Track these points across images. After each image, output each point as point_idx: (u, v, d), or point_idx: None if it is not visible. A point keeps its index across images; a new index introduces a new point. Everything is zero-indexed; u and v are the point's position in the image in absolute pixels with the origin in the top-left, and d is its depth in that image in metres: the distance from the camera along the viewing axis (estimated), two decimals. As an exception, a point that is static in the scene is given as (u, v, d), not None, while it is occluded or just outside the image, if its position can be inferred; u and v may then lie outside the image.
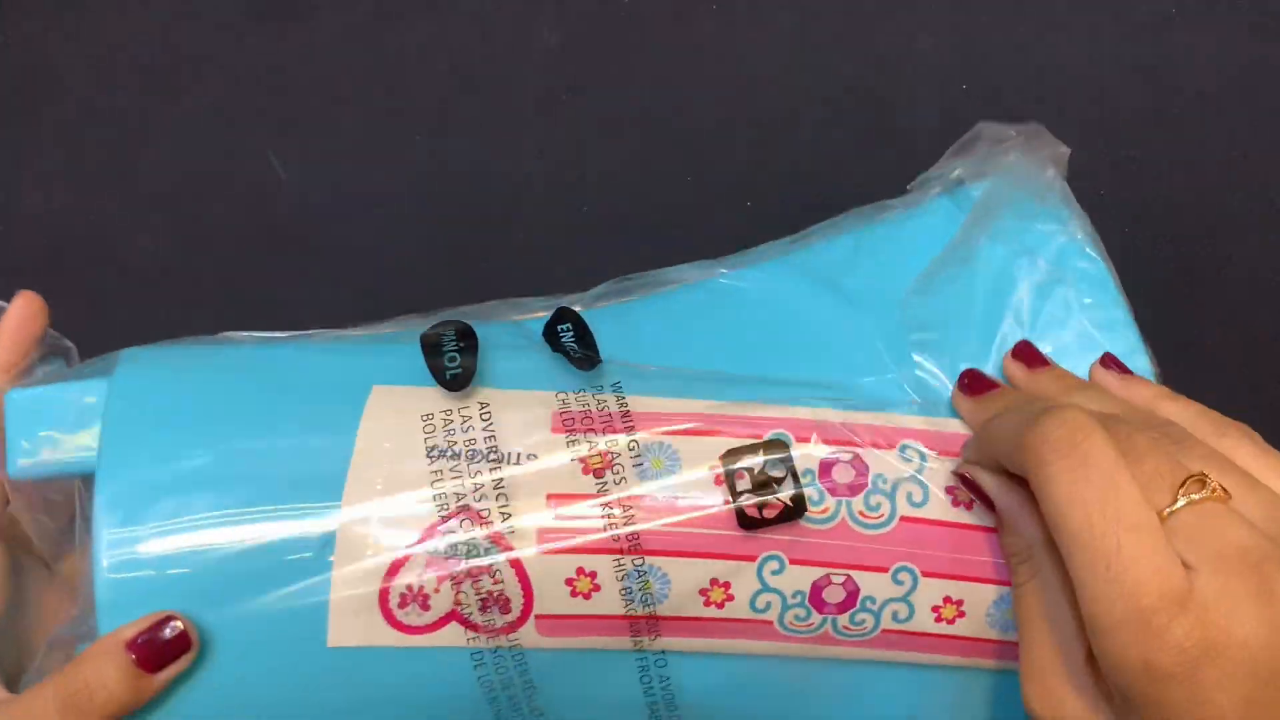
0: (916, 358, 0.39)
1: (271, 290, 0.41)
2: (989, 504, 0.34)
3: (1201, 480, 0.28)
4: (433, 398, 0.37)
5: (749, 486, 0.36)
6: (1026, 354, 0.37)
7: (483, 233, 0.48)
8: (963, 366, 0.39)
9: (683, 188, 0.48)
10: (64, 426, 0.38)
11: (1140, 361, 0.38)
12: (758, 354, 0.40)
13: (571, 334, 0.38)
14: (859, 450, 0.36)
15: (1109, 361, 0.36)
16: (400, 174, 0.47)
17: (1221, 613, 0.27)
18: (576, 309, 0.41)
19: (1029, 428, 0.30)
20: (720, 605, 0.36)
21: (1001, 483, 0.34)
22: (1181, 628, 0.27)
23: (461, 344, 0.38)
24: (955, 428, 0.37)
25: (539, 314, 0.41)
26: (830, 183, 0.48)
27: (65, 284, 0.38)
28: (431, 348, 0.38)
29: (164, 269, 0.47)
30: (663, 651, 0.37)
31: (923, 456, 0.36)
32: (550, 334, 0.38)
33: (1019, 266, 0.39)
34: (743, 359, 0.39)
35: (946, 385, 0.39)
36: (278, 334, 0.41)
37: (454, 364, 0.37)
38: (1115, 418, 0.31)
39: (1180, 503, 0.28)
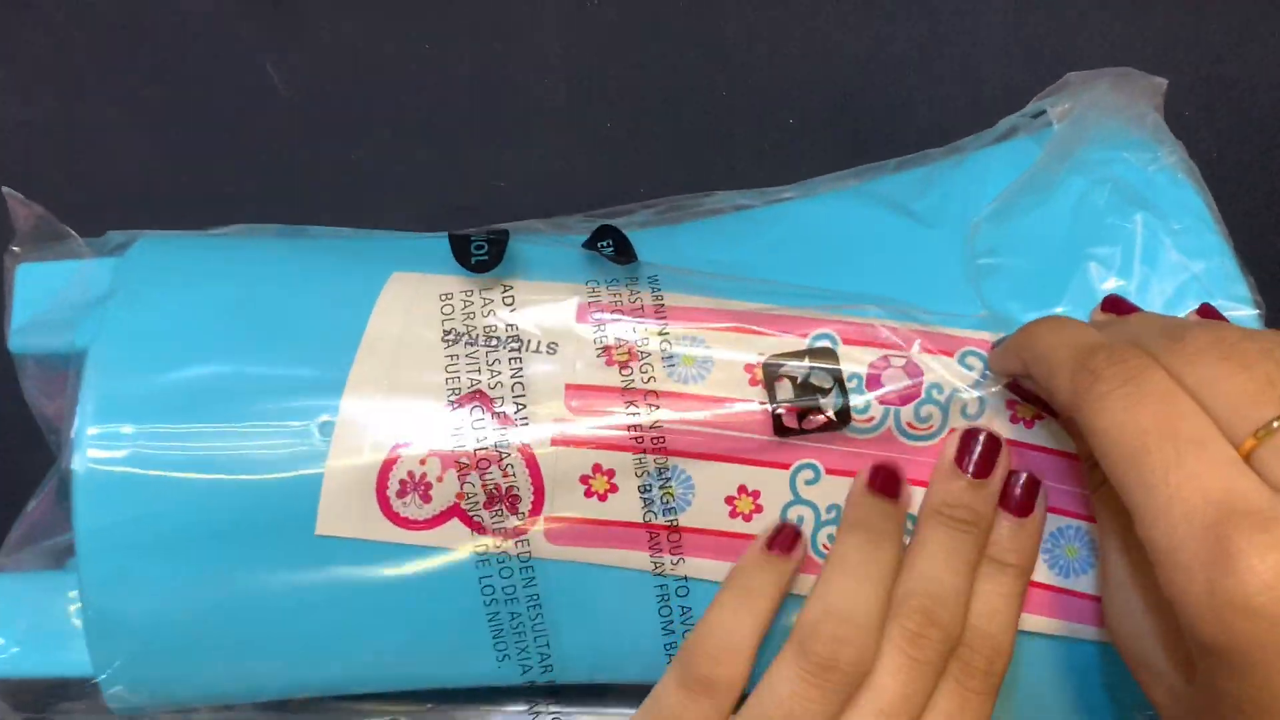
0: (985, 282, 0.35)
1: (265, 208, 0.38)
2: (1047, 409, 0.31)
3: None
4: (454, 282, 0.34)
5: (790, 395, 0.33)
6: (1116, 305, 0.33)
7: (496, 150, 0.45)
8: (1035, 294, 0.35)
9: (718, 103, 0.45)
10: (67, 304, 0.36)
11: (1239, 289, 0.34)
12: (815, 270, 0.36)
13: (612, 249, 0.35)
14: (913, 356, 0.33)
15: (1208, 313, 0.32)
16: (407, 87, 0.44)
17: None
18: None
19: (1084, 353, 0.27)
20: (748, 517, 0.33)
21: None
22: (1258, 551, 0.22)
23: (491, 236, 0.35)
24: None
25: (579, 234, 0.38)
26: (888, 103, 0.45)
27: (46, 195, 0.35)
28: (459, 239, 0.35)
29: (150, 183, 0.44)
30: (685, 578, 0.33)
31: (984, 365, 0.33)
32: (590, 247, 0.35)
33: (1102, 195, 0.36)
34: (798, 275, 0.36)
35: (1017, 312, 0.35)
36: (302, 226, 0.38)
37: (481, 251, 0.34)
38: (1217, 324, 0.27)
39: None
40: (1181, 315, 0.33)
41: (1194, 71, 0.46)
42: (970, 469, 0.32)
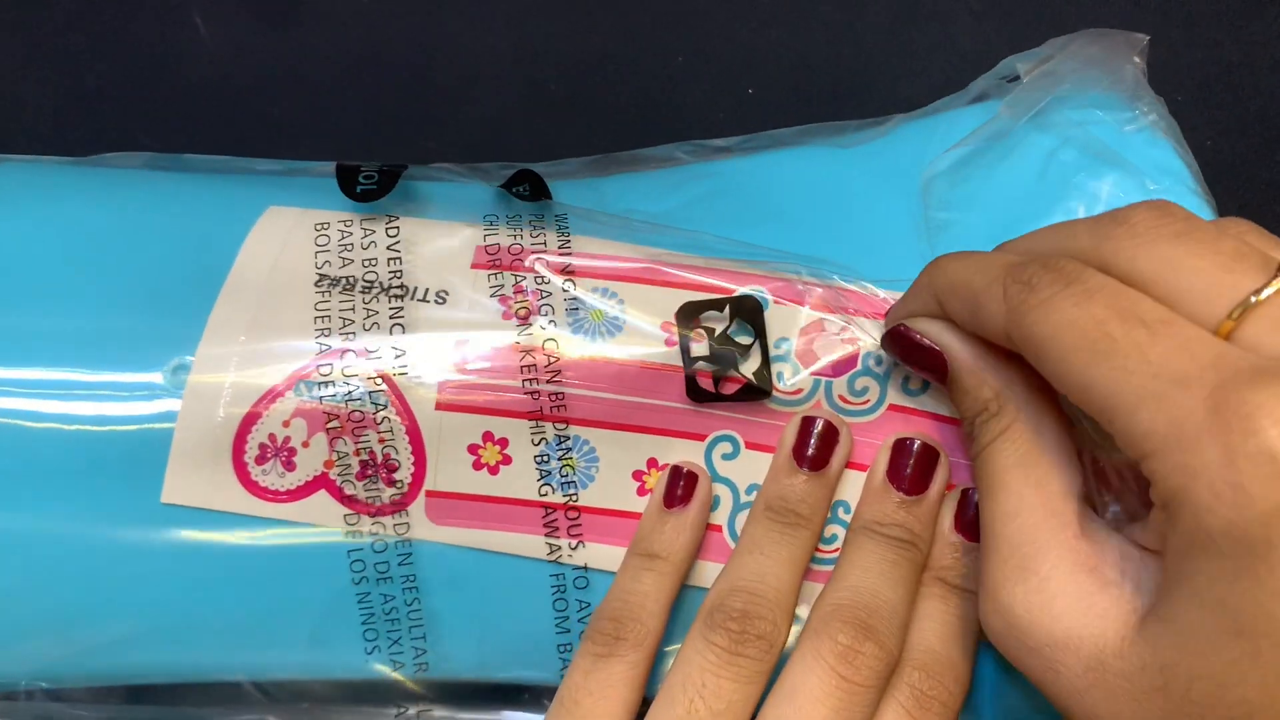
0: (938, 238, 0.31)
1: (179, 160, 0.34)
2: (933, 362, 0.27)
3: None
4: (334, 215, 0.30)
5: (706, 352, 0.28)
6: None
7: (430, 109, 0.41)
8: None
9: (673, 68, 0.41)
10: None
11: None
12: (749, 227, 0.32)
13: (528, 192, 0.31)
14: (850, 321, 0.29)
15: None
16: (341, 40, 0.41)
17: None
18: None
19: (1013, 267, 0.23)
20: (658, 496, 0.29)
21: (955, 330, 0.26)
22: (1267, 406, 0.18)
23: (384, 167, 0.31)
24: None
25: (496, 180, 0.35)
26: (852, 70, 0.41)
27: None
28: (347, 168, 0.31)
29: (57, 129, 0.40)
30: (585, 568, 0.29)
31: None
32: (505, 189, 0.31)
33: (1071, 154, 0.32)
34: (730, 230, 0.32)
35: None
36: (178, 155, 0.34)
37: (370, 180, 0.30)
38: (1161, 203, 0.23)
39: (1277, 285, 0.20)
40: None
41: (1189, 55, 0.42)
42: (904, 486, 0.28)
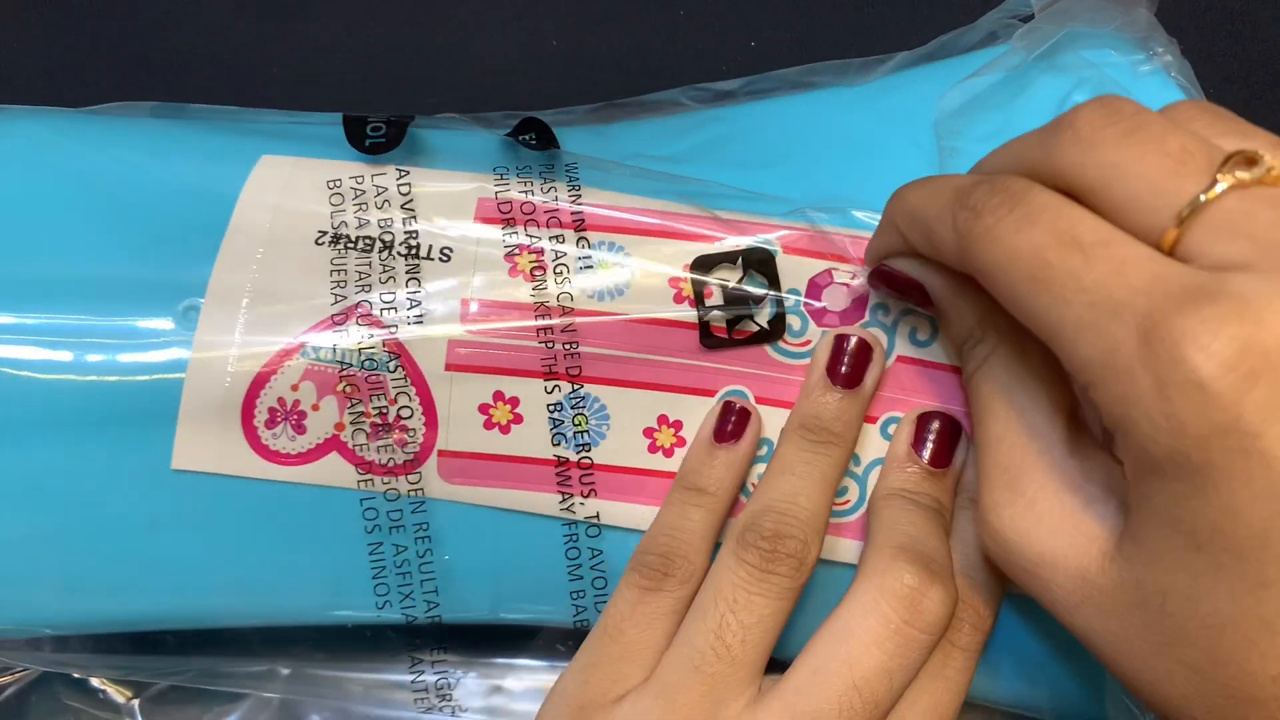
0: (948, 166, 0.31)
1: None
2: (920, 297, 0.27)
3: (1251, 159, 0.20)
4: (341, 167, 0.30)
5: (720, 303, 0.28)
6: None
7: (431, 63, 0.41)
8: None
9: (675, 21, 0.41)
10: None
11: None
12: (760, 170, 0.32)
13: (535, 141, 0.31)
14: (860, 270, 0.29)
15: None
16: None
17: (1275, 312, 0.18)
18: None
19: (961, 192, 0.23)
20: (669, 452, 0.29)
21: (928, 264, 0.26)
22: (1209, 328, 0.18)
23: (391, 118, 0.31)
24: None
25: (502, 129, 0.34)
26: (856, 19, 0.41)
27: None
28: (354, 120, 0.30)
29: (51, 90, 0.39)
30: (597, 517, 0.29)
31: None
32: (512, 137, 0.31)
33: (1084, 96, 0.31)
34: (740, 175, 0.32)
35: None
36: (181, 105, 0.34)
37: (378, 133, 0.30)
38: (1111, 98, 0.22)
39: (1221, 185, 0.20)
40: None
41: (1193, 2, 0.42)
42: (931, 459, 0.28)
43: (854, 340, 0.28)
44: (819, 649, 0.24)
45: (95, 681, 0.33)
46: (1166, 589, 0.20)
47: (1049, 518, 0.23)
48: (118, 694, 0.33)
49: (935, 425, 0.28)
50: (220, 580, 0.29)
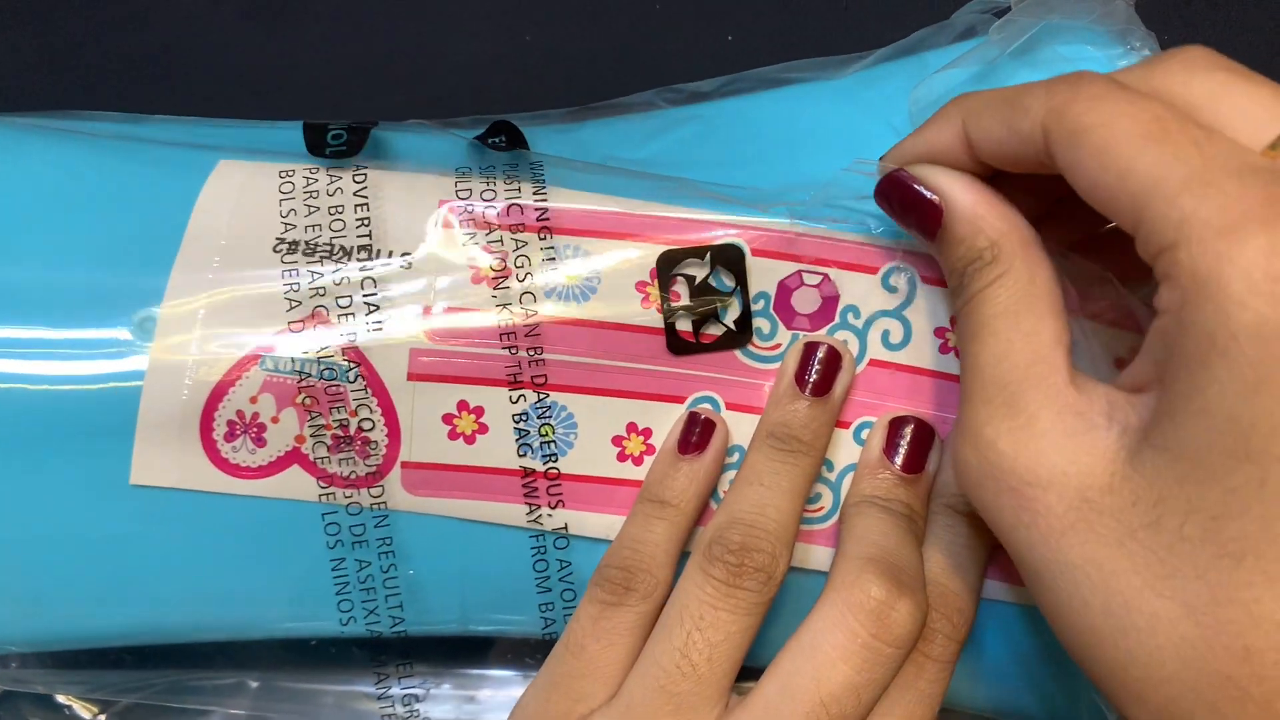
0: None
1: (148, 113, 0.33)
2: (927, 213, 0.25)
3: None
4: (296, 171, 0.29)
5: (686, 302, 0.28)
6: None
7: (402, 63, 0.40)
8: None
9: (650, 16, 0.40)
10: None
11: None
12: (733, 168, 0.31)
13: (504, 143, 0.30)
14: (830, 273, 0.28)
15: None
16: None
17: None
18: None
19: (1052, 82, 0.22)
20: (638, 460, 0.28)
21: (955, 175, 0.25)
22: None
23: (353, 125, 0.30)
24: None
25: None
26: (834, 13, 0.40)
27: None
28: (315, 127, 0.30)
29: (20, 90, 0.39)
30: (565, 528, 0.28)
31: (912, 286, 0.28)
32: (481, 141, 0.30)
33: None
34: (712, 173, 0.31)
35: None
36: (140, 116, 0.33)
37: (339, 141, 0.29)
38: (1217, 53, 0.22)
39: None
40: None
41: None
42: (903, 464, 0.27)
43: (823, 348, 0.27)
44: (786, 664, 0.24)
45: (61, 698, 0.32)
46: (1193, 506, 0.19)
47: (1050, 434, 0.22)
48: (84, 710, 0.32)
49: (908, 430, 0.27)
50: (182, 596, 0.29)
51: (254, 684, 0.32)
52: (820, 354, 0.27)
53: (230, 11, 0.41)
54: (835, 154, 0.31)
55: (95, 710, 0.32)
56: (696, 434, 0.27)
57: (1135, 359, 0.22)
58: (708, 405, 0.28)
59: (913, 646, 0.24)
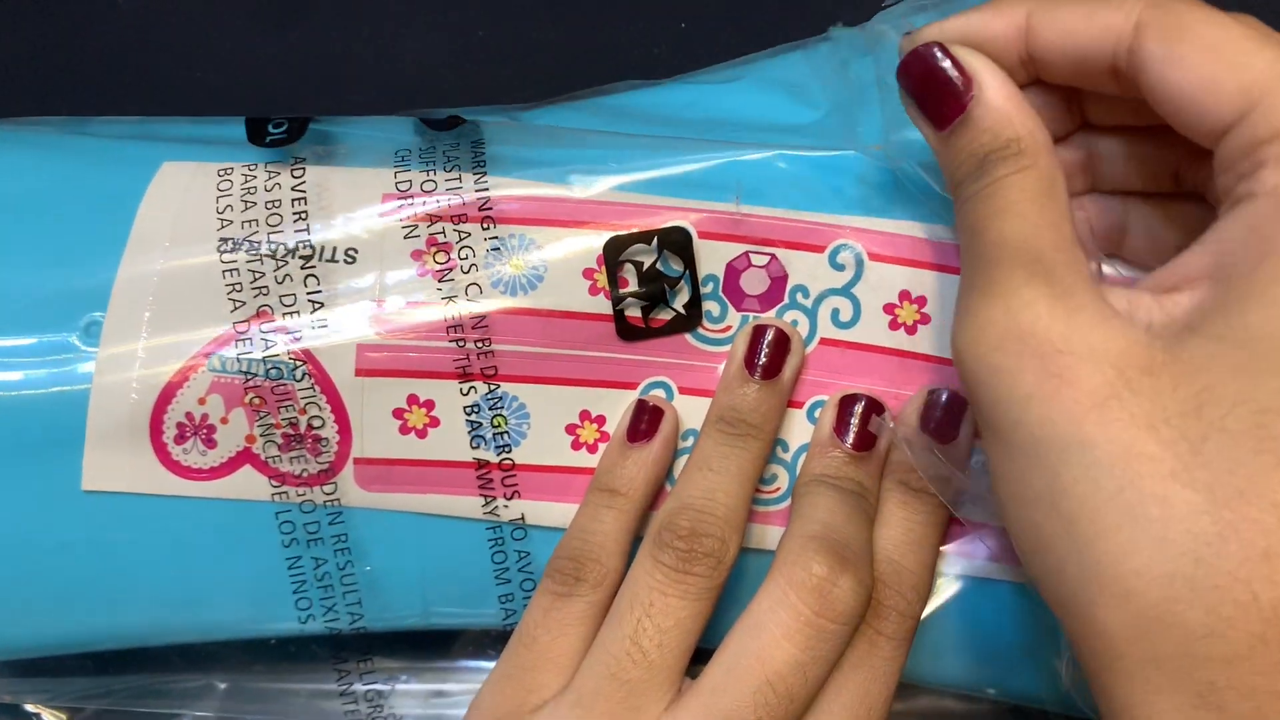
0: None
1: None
2: (950, 95, 0.23)
3: None
4: (237, 170, 0.29)
5: (634, 288, 0.28)
6: None
7: (353, 63, 0.40)
8: None
9: (605, 6, 0.40)
10: None
11: None
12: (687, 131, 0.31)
13: (446, 117, 0.30)
14: (778, 253, 0.28)
15: None
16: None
17: None
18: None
19: None
20: (593, 447, 0.28)
21: (997, 69, 0.23)
22: None
23: (294, 117, 0.30)
24: (910, 231, 0.28)
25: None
26: (796, 4, 0.40)
27: None
28: (256, 120, 0.29)
29: None
30: (522, 518, 0.28)
31: (860, 264, 0.28)
32: (433, 124, 0.30)
33: None
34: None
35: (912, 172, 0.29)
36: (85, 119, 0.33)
37: (279, 129, 0.29)
38: None
39: None
40: None
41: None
42: (852, 442, 0.27)
43: (771, 331, 0.27)
44: (732, 645, 0.24)
45: (29, 707, 0.32)
46: (1242, 398, 0.18)
47: (1087, 310, 0.20)
48: (51, 718, 0.32)
49: (858, 408, 0.27)
50: (139, 600, 0.29)
51: (221, 685, 0.32)
52: (769, 337, 0.27)
53: (174, 18, 0.41)
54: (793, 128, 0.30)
55: (64, 718, 0.32)
56: (645, 421, 0.27)
57: (1176, 258, 0.21)
58: (660, 392, 0.28)
59: (858, 621, 0.24)
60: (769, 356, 0.27)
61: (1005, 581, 0.28)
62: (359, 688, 0.31)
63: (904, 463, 0.27)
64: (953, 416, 0.27)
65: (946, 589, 0.29)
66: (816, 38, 0.33)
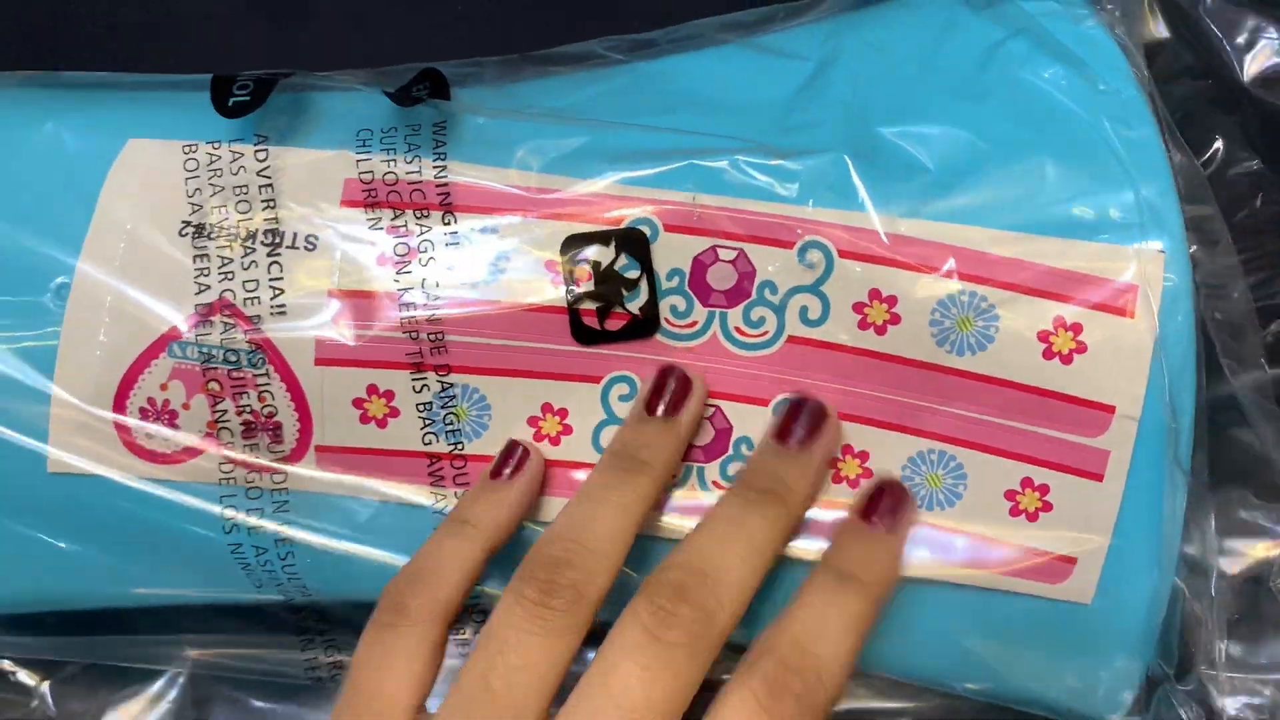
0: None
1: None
2: None
3: None
4: (200, 151, 0.28)
5: (591, 289, 0.27)
6: None
7: (330, 19, 0.38)
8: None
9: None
10: None
11: (1162, 172, 0.28)
12: (666, 116, 0.30)
13: (428, 91, 0.29)
14: (745, 248, 0.27)
15: None
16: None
17: None
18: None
19: None
20: (555, 440, 0.28)
21: None
22: None
23: (261, 76, 0.29)
24: (879, 225, 0.28)
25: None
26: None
27: None
28: (222, 80, 0.28)
29: None
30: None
31: (829, 260, 0.27)
32: (401, 97, 0.29)
33: (1021, 46, 0.29)
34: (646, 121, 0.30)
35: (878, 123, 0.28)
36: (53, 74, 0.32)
37: (244, 91, 0.28)
38: None
39: None
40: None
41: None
42: (785, 437, 0.27)
43: (676, 374, 0.27)
44: (588, 670, 0.23)
45: (5, 664, 0.33)
46: None
47: None
48: (29, 677, 0.33)
49: (798, 405, 0.27)
50: (92, 568, 0.29)
51: (193, 653, 0.32)
52: (672, 379, 0.27)
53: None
54: (770, 108, 0.30)
55: (40, 676, 0.33)
56: (512, 463, 0.27)
57: None
58: (624, 386, 0.28)
59: (710, 645, 0.23)
60: (671, 399, 0.27)
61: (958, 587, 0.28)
62: (323, 658, 0.32)
63: (846, 546, 0.26)
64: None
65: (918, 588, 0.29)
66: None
